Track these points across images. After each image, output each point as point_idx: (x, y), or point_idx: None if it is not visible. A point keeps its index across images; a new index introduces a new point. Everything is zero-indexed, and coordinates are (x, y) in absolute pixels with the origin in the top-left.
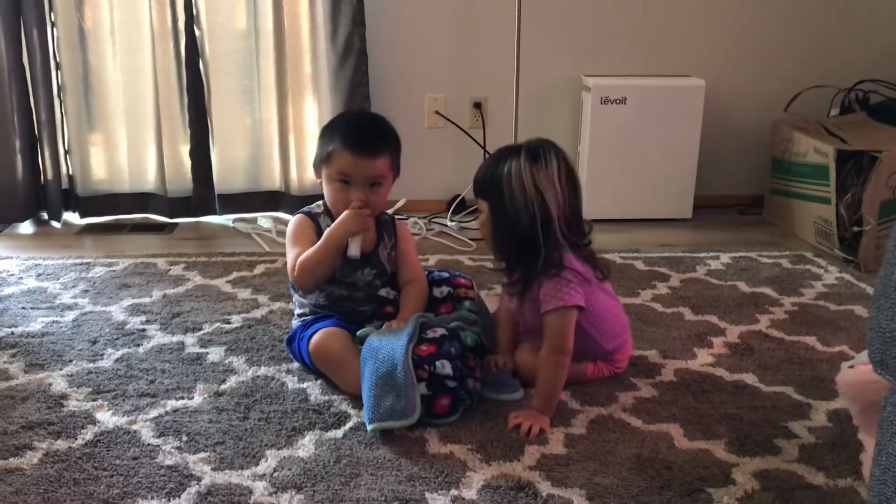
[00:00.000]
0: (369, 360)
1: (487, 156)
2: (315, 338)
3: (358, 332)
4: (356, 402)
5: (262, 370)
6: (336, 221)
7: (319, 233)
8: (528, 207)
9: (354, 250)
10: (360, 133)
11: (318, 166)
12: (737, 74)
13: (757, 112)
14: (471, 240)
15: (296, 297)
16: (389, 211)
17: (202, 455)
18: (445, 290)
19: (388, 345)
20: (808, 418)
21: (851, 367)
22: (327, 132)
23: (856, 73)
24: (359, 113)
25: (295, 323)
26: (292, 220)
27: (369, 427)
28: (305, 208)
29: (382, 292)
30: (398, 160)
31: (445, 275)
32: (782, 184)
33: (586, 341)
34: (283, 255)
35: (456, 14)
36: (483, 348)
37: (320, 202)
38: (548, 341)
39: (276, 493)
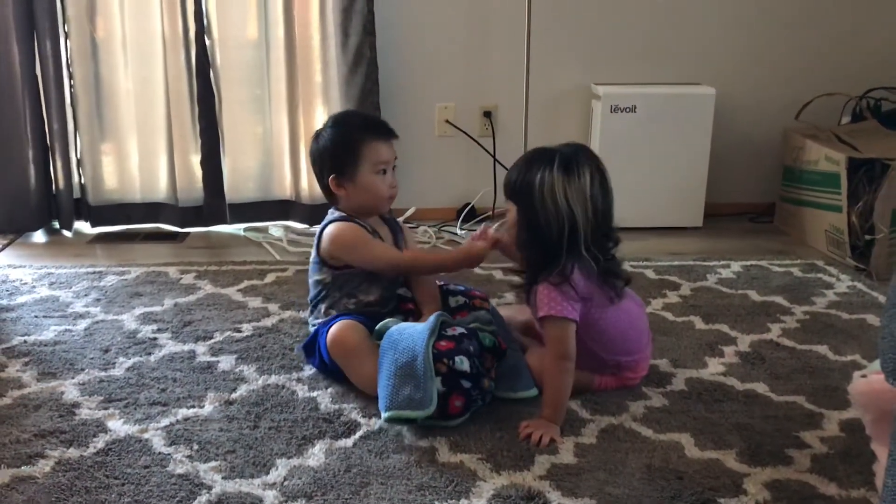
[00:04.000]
0: (389, 350)
1: (520, 156)
2: (333, 329)
3: (377, 326)
4: (366, 410)
5: (273, 379)
6: (463, 257)
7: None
8: (559, 220)
9: None
10: (377, 120)
11: (343, 174)
12: (747, 82)
13: (767, 120)
14: None
15: (324, 307)
16: (400, 219)
17: (213, 464)
18: (462, 299)
19: (408, 337)
20: (820, 428)
21: (864, 376)
22: (342, 139)
23: (867, 81)
24: (352, 111)
25: (312, 328)
26: (338, 228)
27: (385, 415)
28: (336, 216)
29: (401, 291)
30: None
31: (461, 288)
32: (793, 192)
33: (586, 354)
34: (293, 263)
35: (466, 23)
36: (500, 350)
37: (333, 210)
38: (549, 349)
39: (286, 501)
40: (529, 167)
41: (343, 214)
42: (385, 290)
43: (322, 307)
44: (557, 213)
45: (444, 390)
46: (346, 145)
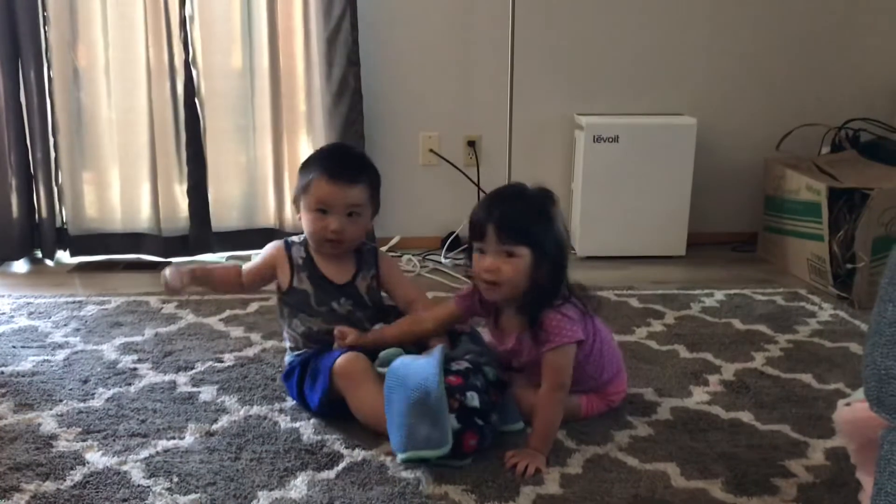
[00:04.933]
0: (397, 388)
1: (517, 200)
2: (341, 359)
3: (381, 354)
4: (349, 441)
5: (255, 409)
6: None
7: (290, 261)
8: (567, 253)
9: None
10: (338, 161)
11: (296, 199)
12: (728, 113)
13: (749, 150)
14: (465, 277)
15: (284, 329)
16: (384, 248)
17: (193, 496)
18: None
19: (416, 373)
20: (805, 457)
21: (848, 404)
22: (305, 165)
23: (846, 112)
24: (338, 145)
25: (288, 358)
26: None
27: (403, 456)
28: (292, 237)
29: (377, 327)
30: (377, 195)
31: None
32: (775, 221)
33: (581, 372)
34: (276, 292)
35: (450, 53)
36: (503, 383)
37: (302, 234)
38: (548, 379)
39: None
40: (539, 209)
41: (293, 239)
42: (337, 322)
43: (285, 323)
44: (568, 242)
45: (459, 427)
46: (303, 173)
